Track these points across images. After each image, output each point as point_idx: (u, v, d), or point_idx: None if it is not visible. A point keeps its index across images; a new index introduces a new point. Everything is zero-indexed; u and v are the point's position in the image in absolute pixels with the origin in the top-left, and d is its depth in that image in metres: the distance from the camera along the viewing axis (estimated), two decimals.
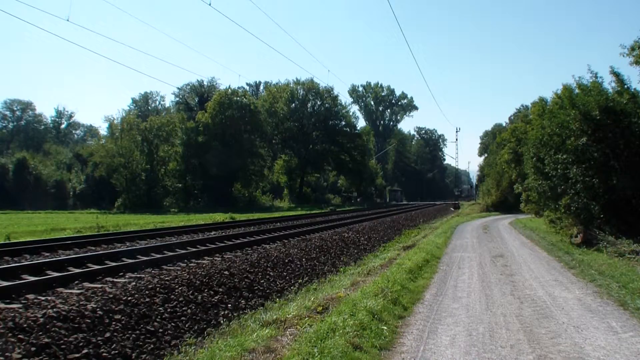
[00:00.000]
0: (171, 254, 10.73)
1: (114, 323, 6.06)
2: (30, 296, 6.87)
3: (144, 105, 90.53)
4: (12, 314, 5.80)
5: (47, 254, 10.95)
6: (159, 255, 10.42)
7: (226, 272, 9.10)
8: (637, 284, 7.40)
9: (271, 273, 10.04)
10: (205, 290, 8.02)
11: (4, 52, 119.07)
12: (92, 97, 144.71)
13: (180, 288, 7.73)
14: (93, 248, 12.05)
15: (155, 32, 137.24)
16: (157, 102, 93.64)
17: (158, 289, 7.48)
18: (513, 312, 6.30)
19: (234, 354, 4.55)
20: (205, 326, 6.78)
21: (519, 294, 7.42)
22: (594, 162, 13.15)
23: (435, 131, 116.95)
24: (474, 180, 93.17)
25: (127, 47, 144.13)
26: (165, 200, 49.46)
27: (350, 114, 69.43)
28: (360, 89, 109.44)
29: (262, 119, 54.32)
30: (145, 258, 10.09)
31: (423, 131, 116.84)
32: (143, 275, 8.51)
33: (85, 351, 5.29)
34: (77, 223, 22.41)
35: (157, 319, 6.57)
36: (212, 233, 16.21)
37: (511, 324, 5.69)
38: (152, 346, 5.87)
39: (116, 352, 5.48)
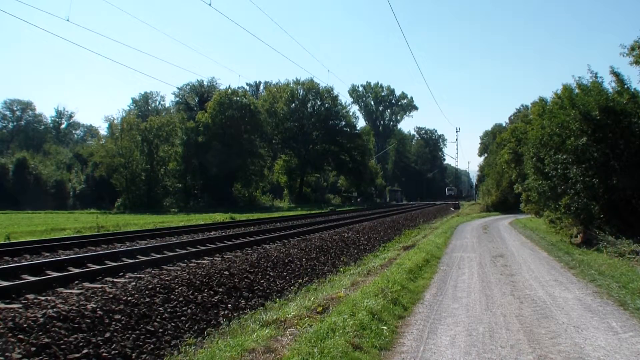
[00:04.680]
0: (171, 254, 10.73)
1: (114, 323, 6.06)
2: (30, 296, 6.87)
3: (144, 105, 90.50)
4: (12, 314, 5.80)
5: (47, 254, 10.95)
6: (159, 255, 10.42)
7: (226, 272, 9.10)
8: (637, 284, 7.40)
9: (271, 273, 10.04)
10: (205, 290, 8.02)
11: (4, 52, 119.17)
12: (92, 97, 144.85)
13: (180, 288, 7.73)
14: (93, 248, 12.04)
15: (155, 32, 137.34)
16: (157, 102, 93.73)
17: (158, 289, 7.48)
18: (513, 312, 6.30)
19: (234, 354, 4.55)
20: (205, 326, 6.78)
21: (519, 294, 7.42)
22: (594, 162, 13.15)
23: (435, 131, 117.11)
24: (474, 180, 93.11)
25: (127, 47, 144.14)
26: (165, 200, 49.42)
27: (350, 114, 69.42)
28: (360, 89, 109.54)
29: (262, 119, 54.30)
30: (145, 258, 10.09)
31: (423, 131, 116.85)
32: (143, 275, 8.51)
33: (85, 351, 5.29)
34: (77, 223, 22.41)
35: (157, 319, 6.57)
36: (212, 233, 16.20)
37: (511, 324, 5.69)
38: (152, 346, 5.87)
39: (116, 352, 5.48)
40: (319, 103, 63.62)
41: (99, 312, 6.17)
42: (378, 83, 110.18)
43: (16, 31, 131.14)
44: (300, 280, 9.92)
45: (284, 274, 10.34)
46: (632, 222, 12.41)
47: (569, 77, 40.28)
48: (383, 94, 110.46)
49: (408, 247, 13.61)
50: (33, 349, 5.03)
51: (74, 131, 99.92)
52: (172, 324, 6.61)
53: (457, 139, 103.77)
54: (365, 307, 5.85)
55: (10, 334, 5.21)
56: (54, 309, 6.01)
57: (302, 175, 63.48)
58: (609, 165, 12.96)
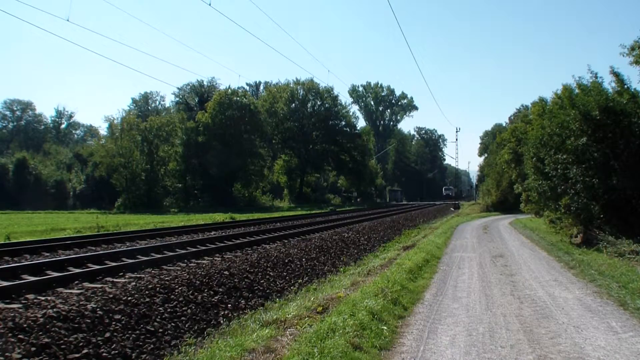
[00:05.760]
0: (171, 254, 10.74)
1: (114, 323, 6.06)
2: (30, 296, 6.88)
3: (144, 105, 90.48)
4: (12, 314, 5.80)
5: (47, 254, 10.95)
6: (159, 255, 10.42)
7: (226, 272, 9.10)
8: (637, 284, 7.40)
9: (271, 273, 10.04)
10: (205, 290, 8.03)
11: (4, 52, 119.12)
12: (92, 97, 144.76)
13: (180, 288, 7.73)
14: (93, 248, 12.05)
15: (155, 32, 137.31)
16: (157, 102, 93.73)
17: (158, 289, 7.48)
18: (513, 312, 6.30)
19: (234, 354, 4.55)
20: (205, 326, 6.78)
21: (519, 294, 7.42)
22: (594, 162, 13.14)
23: (435, 131, 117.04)
24: (474, 180, 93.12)
25: (127, 47, 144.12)
26: (165, 200, 49.43)
27: (350, 114, 69.42)
28: (360, 89, 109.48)
29: (262, 119, 54.31)
30: (145, 258, 10.09)
31: (423, 131, 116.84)
32: (143, 275, 8.51)
33: (85, 351, 5.29)
34: (77, 223, 22.40)
35: (157, 319, 6.57)
36: (212, 233, 16.21)
37: (511, 324, 5.69)
38: (152, 346, 5.87)
39: (116, 352, 5.49)
40: (319, 103, 63.63)
41: (99, 312, 6.17)
42: (378, 83, 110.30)
43: (16, 31, 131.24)
44: (300, 280, 9.92)
45: (284, 274, 10.34)
46: (632, 222, 12.41)
47: (569, 77, 40.28)
48: (383, 94, 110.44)
49: (408, 247, 13.61)
50: (33, 349, 5.03)
51: (74, 131, 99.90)
52: (172, 324, 6.62)
53: (457, 139, 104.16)
54: (365, 307, 5.85)
55: (10, 334, 5.21)
56: (54, 309, 6.01)
57: (302, 175, 63.49)
58: (609, 165, 12.96)
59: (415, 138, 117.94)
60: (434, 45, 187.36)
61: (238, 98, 51.95)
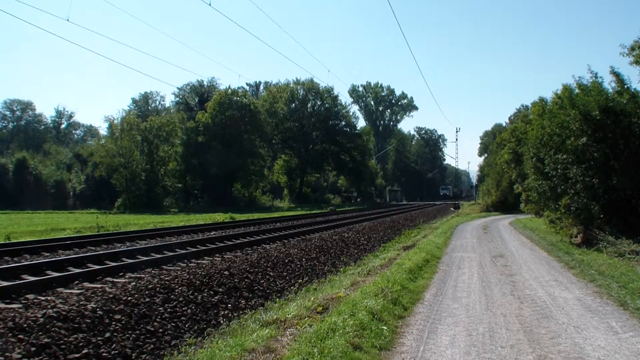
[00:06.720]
0: (171, 254, 10.74)
1: (114, 323, 6.06)
2: (30, 296, 6.88)
3: (144, 105, 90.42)
4: (12, 314, 5.80)
5: (47, 254, 10.95)
6: (158, 255, 10.42)
7: (226, 272, 9.10)
8: (637, 284, 7.40)
9: (271, 273, 10.04)
10: (205, 290, 8.03)
11: (4, 52, 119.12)
12: (92, 97, 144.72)
13: (180, 288, 7.73)
14: (93, 248, 12.05)
15: (155, 32, 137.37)
16: (157, 102, 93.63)
17: (158, 289, 7.48)
18: (513, 312, 6.30)
19: (234, 354, 4.55)
20: (205, 326, 6.78)
21: (519, 294, 7.42)
22: (594, 162, 13.14)
23: (435, 131, 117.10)
24: (474, 180, 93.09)
25: (127, 47, 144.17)
26: (165, 200, 49.42)
27: (350, 114, 69.58)
28: (360, 89, 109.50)
29: (262, 119, 54.30)
30: (145, 258, 10.09)
31: (423, 131, 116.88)
32: (143, 275, 8.51)
33: (85, 351, 5.29)
34: (77, 223, 22.40)
35: (157, 319, 6.57)
36: (212, 233, 16.21)
37: (511, 324, 5.69)
38: (152, 346, 5.87)
39: (116, 352, 5.49)
40: (319, 103, 63.67)
41: (99, 312, 6.17)
42: (378, 83, 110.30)
43: (16, 31, 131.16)
44: (300, 280, 9.92)
45: (284, 274, 10.34)
46: (632, 222, 12.40)
47: (569, 77, 40.33)
48: (383, 94, 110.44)
49: (408, 247, 13.60)
50: (33, 349, 5.03)
51: (74, 131, 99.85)
52: (172, 324, 6.62)
53: (457, 139, 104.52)
54: (365, 307, 5.85)
55: (10, 334, 5.21)
56: (54, 309, 6.02)
57: (302, 175, 63.51)
58: (609, 165, 12.95)
59: (415, 138, 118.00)
60: (435, 45, 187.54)
61: (238, 98, 51.95)
